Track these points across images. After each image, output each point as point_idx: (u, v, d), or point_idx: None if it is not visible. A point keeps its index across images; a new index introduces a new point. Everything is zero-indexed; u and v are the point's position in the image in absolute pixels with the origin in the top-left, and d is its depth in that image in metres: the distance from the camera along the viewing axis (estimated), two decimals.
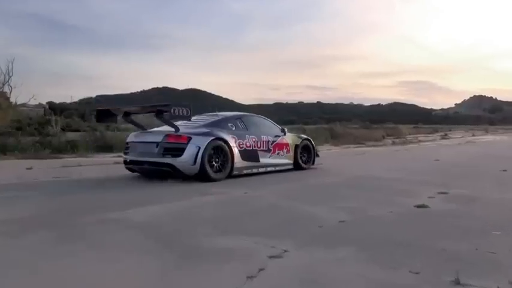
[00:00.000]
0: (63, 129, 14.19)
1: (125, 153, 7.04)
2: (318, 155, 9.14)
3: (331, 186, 5.99)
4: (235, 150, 6.82)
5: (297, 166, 8.26)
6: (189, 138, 6.30)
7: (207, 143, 6.30)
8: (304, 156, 8.60)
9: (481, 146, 21.72)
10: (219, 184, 6.08)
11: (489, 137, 36.54)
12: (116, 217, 3.77)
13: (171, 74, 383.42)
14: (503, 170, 7.93)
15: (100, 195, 5.16)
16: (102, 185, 6.21)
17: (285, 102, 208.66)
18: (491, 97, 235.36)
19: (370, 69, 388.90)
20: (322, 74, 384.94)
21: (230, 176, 6.65)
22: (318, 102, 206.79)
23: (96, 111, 7.69)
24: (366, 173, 7.76)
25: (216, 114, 7.89)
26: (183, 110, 6.30)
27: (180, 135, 6.39)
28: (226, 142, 6.66)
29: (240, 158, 6.92)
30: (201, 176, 6.24)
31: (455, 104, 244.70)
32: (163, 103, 6.48)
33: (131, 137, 7.19)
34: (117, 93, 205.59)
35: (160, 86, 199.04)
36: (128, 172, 7.09)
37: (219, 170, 6.51)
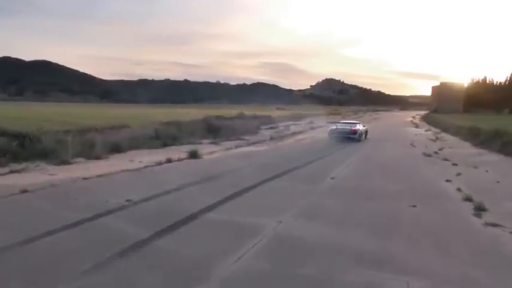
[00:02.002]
0: None
1: (332, 132, 22.62)
2: (367, 132, 24.10)
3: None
4: (363, 132, 23.00)
5: (365, 138, 23.06)
6: (357, 130, 22.28)
7: (361, 130, 22.60)
8: (367, 134, 23.75)
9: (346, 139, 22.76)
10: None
11: None
12: None
13: (15, 43, 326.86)
14: (413, 206, 7.48)
15: None
16: None
17: (150, 79, 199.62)
18: (339, 80, 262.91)
19: (237, 49, 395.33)
20: (189, 51, 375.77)
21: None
22: (185, 80, 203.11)
23: None
24: (271, 217, 6.43)
25: (350, 123, 24.51)
26: (360, 124, 23.96)
27: (354, 129, 22.27)
28: (361, 129, 22.65)
29: (363, 135, 22.83)
30: (359, 140, 21.62)
31: (310, 86, 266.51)
32: (355, 121, 25.91)
33: (336, 126, 23.43)
34: None
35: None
36: None
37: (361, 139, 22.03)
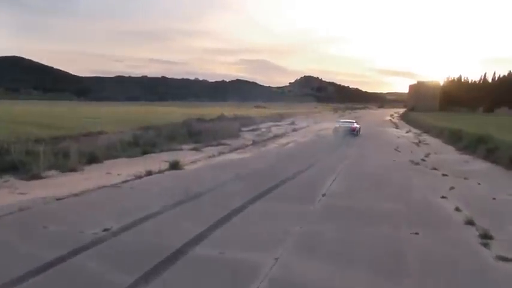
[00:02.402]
0: None
1: (336, 130, 29.17)
2: (360, 129, 30.76)
3: None
4: (358, 129, 30.14)
5: (358, 133, 29.55)
6: (355, 128, 29.87)
7: (357, 128, 30.14)
8: (359, 131, 30.15)
9: (330, 144, 22.44)
10: None
11: (328, 126, 39.28)
12: None
13: None
14: (415, 233, 7.01)
15: None
16: None
17: (128, 75, 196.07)
18: (317, 77, 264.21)
19: (215, 46, 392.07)
20: (167, 47, 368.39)
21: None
22: (163, 77, 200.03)
23: None
24: (265, 252, 5.86)
25: (349, 122, 32.54)
26: (355, 123, 31.34)
27: (354, 127, 29.92)
28: (357, 127, 30.23)
29: (358, 131, 29.72)
30: (356, 135, 28.61)
31: (289, 83, 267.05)
32: (351, 121, 33.51)
33: (339, 125, 30.26)
34: None
35: None
36: None
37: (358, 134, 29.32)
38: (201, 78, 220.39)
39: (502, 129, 26.78)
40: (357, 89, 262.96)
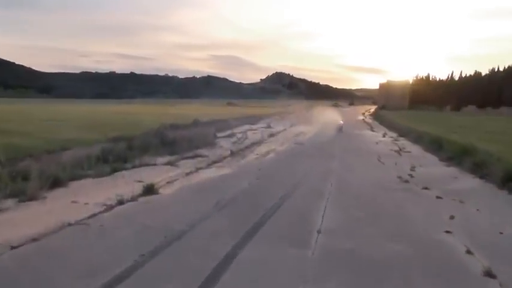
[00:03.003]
0: None
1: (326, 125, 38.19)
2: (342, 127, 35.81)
3: None
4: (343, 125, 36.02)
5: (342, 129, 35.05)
6: (342, 125, 35.79)
7: (342, 125, 36.01)
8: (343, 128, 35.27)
9: (311, 154, 21.68)
10: None
11: (308, 129, 38.62)
12: None
13: None
14: None
15: None
16: None
17: (94, 71, 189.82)
18: (289, 74, 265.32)
19: (185, 41, 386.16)
20: (136, 42, 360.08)
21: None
22: (131, 72, 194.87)
23: None
24: None
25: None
26: (341, 121, 38.41)
27: (340, 125, 35.80)
28: (343, 124, 36.27)
29: (342, 127, 35.50)
30: (341, 131, 34.28)
31: (260, 79, 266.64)
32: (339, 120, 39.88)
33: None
34: None
35: None
36: None
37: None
38: (171, 75, 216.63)
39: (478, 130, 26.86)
40: (327, 85, 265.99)
